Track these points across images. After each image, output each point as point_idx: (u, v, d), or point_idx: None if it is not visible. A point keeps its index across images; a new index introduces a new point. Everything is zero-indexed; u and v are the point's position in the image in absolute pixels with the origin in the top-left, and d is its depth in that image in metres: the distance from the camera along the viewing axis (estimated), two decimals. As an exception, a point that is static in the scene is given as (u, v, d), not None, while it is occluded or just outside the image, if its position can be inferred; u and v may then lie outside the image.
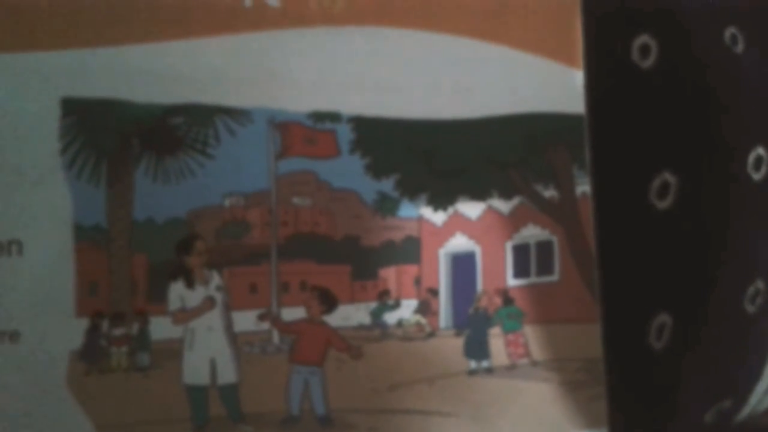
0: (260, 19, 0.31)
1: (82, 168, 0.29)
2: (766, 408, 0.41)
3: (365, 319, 0.32)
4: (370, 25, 0.32)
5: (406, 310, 0.32)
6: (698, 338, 0.37)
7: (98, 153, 0.29)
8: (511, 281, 0.34)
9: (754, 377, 0.39)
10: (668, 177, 0.37)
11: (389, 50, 0.32)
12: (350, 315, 0.32)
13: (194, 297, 0.30)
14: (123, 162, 0.29)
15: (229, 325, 0.30)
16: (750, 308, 0.39)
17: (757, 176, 0.38)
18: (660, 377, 0.37)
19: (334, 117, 0.32)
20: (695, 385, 0.38)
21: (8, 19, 0.29)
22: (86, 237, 0.29)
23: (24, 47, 0.29)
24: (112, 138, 0.29)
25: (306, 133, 0.31)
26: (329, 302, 0.31)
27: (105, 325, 0.29)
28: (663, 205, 0.37)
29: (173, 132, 0.30)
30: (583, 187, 0.35)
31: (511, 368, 0.33)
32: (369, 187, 0.32)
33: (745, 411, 0.41)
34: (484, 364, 0.33)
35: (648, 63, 0.37)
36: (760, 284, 0.39)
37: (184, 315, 0.30)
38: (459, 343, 0.33)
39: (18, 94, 0.28)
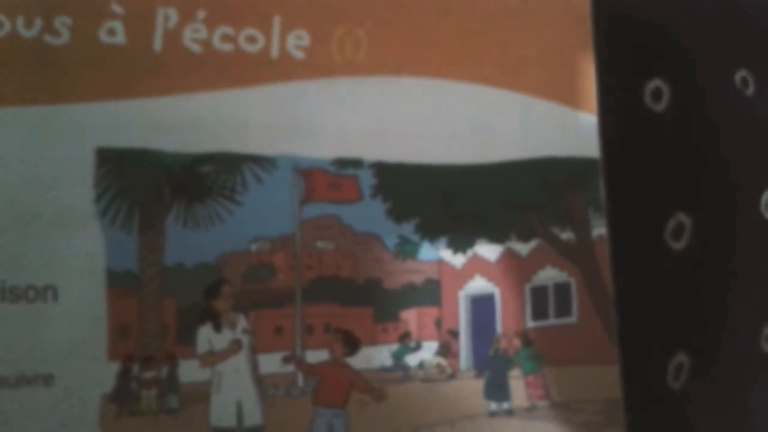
0: (286, 71, 0.32)
1: (115, 215, 0.30)
2: (785, 447, 0.41)
3: (387, 361, 0.32)
4: (391, 75, 0.33)
5: (427, 351, 0.33)
6: (716, 377, 0.38)
7: (131, 201, 0.30)
8: (530, 323, 0.34)
9: (773, 416, 0.40)
10: (683, 218, 0.37)
11: (409, 98, 0.33)
12: (373, 357, 0.32)
13: (222, 340, 0.31)
14: (155, 209, 0.30)
15: (255, 368, 0.31)
16: (766, 347, 0.39)
17: (770, 216, 0.39)
18: (678, 417, 0.37)
19: (356, 163, 0.33)
20: (713, 424, 0.38)
21: (45, 73, 0.30)
22: (118, 282, 0.30)
23: (61, 100, 0.30)
24: (145, 186, 0.30)
25: (329, 179, 0.32)
26: (352, 344, 0.32)
27: (136, 368, 0.30)
28: (678, 246, 0.37)
29: (203, 180, 0.31)
30: (599, 229, 0.36)
31: (531, 410, 0.34)
32: (390, 231, 0.33)
33: (764, 450, 0.41)
34: (505, 405, 0.33)
35: (660, 107, 0.38)
36: (776, 323, 0.39)
37: (212, 358, 0.30)
38: (479, 384, 0.33)
39: (55, 144, 0.30)
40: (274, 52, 0.32)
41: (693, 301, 0.37)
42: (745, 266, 0.38)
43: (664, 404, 0.37)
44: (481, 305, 0.34)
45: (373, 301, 0.32)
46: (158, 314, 0.30)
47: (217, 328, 0.31)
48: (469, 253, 0.34)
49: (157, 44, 0.31)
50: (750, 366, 0.38)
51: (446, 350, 0.33)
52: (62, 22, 0.30)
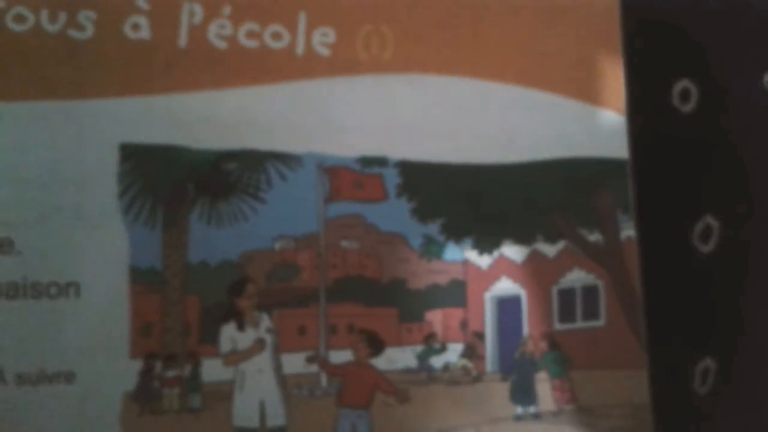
0: (311, 68, 0.32)
1: (139, 212, 0.30)
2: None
3: (412, 362, 0.32)
4: (417, 73, 0.33)
5: (453, 353, 0.33)
6: (741, 382, 0.37)
7: (155, 197, 0.30)
8: (557, 326, 0.34)
9: (801, 424, 0.39)
10: (711, 221, 0.37)
11: (435, 97, 0.33)
12: (397, 358, 0.32)
13: (245, 339, 0.30)
14: (178, 206, 0.30)
15: (278, 367, 0.31)
16: (795, 353, 0.38)
17: (799, 220, 0.38)
18: (704, 422, 0.37)
19: (381, 162, 0.32)
20: (739, 430, 0.37)
21: (67, 67, 0.30)
22: (141, 279, 0.29)
23: (85, 95, 0.30)
24: (168, 183, 0.30)
25: (354, 178, 0.32)
26: (376, 345, 0.32)
27: (158, 366, 0.29)
28: (706, 249, 0.37)
29: (227, 177, 0.31)
30: (628, 231, 0.35)
31: (558, 414, 0.33)
32: (415, 231, 0.32)
33: (791, 457, 0.40)
34: (531, 409, 0.33)
35: (688, 107, 0.38)
36: (805, 329, 0.38)
37: (235, 357, 0.30)
38: (505, 387, 0.33)
39: (79, 139, 0.29)
40: (300, 49, 0.32)
41: (720, 305, 0.37)
42: (773, 270, 0.38)
43: (690, 409, 0.36)
44: (507, 307, 0.33)
45: (397, 301, 0.32)
46: (181, 312, 0.30)
47: (241, 326, 0.30)
48: (495, 253, 0.33)
49: (182, 40, 0.31)
50: (778, 372, 0.38)
51: (472, 352, 0.33)
52: (87, 17, 0.30)
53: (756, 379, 0.37)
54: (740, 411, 0.37)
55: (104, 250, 0.29)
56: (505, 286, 0.33)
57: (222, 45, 0.31)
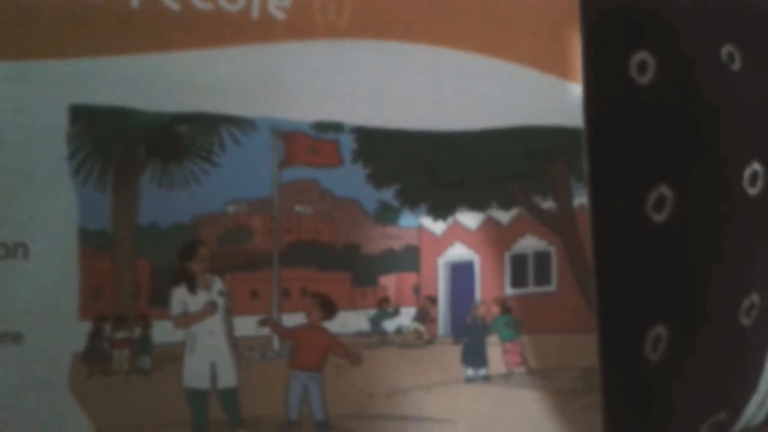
0: (266, 32, 0.32)
1: (89, 174, 0.29)
2: (760, 421, 0.42)
3: (364, 325, 0.32)
4: (374, 39, 0.33)
5: (405, 317, 0.33)
6: (693, 351, 0.38)
7: (105, 159, 0.30)
8: (509, 291, 0.34)
9: (749, 390, 0.40)
10: (665, 190, 0.37)
11: (392, 63, 0.33)
12: (350, 321, 0.32)
13: (196, 302, 0.30)
14: (129, 169, 0.30)
15: (230, 330, 0.31)
16: (745, 321, 0.39)
17: (752, 191, 0.39)
18: (655, 389, 0.37)
19: (336, 127, 0.32)
20: (690, 398, 0.38)
21: (17, 27, 0.29)
22: (91, 242, 0.29)
23: (33, 55, 0.29)
24: (119, 145, 0.30)
25: (309, 143, 0.32)
26: (329, 308, 0.32)
27: (107, 328, 0.29)
28: (659, 218, 0.37)
29: (179, 140, 0.30)
30: (581, 199, 0.35)
31: (508, 376, 0.34)
32: (370, 197, 0.33)
33: (740, 424, 0.41)
34: (482, 371, 0.33)
35: (646, 79, 0.38)
36: (755, 297, 0.39)
37: (186, 319, 0.30)
38: (457, 350, 0.33)
39: (27, 101, 0.29)
40: (255, 12, 0.32)
41: (672, 273, 0.37)
42: (725, 240, 0.38)
43: (641, 375, 0.37)
44: (461, 272, 0.34)
45: (351, 265, 0.32)
46: (132, 274, 0.30)
47: (192, 289, 0.30)
48: (450, 220, 0.34)
49: (135, 1, 0.30)
50: (728, 339, 0.38)
51: (424, 316, 0.33)
52: (38, -23, 0.29)
53: (707, 347, 0.38)
54: (691, 378, 0.38)
55: (53, 212, 0.29)
56: (459, 251, 0.34)
57: (175, 7, 0.31)
